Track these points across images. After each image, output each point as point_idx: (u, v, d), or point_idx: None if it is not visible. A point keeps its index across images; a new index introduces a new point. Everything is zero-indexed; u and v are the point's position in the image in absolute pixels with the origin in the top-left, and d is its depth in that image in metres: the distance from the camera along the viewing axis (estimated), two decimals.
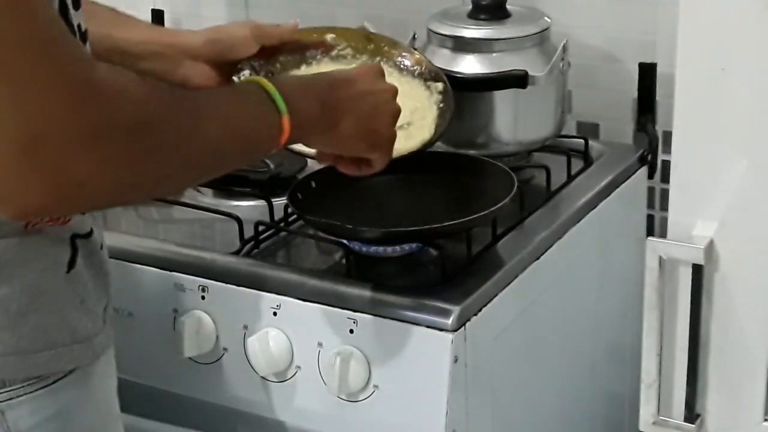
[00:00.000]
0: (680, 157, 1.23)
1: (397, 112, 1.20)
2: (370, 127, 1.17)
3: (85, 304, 1.05)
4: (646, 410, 1.31)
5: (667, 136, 1.54)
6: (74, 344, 1.03)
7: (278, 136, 1.05)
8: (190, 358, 1.40)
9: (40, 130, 0.83)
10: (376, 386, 1.30)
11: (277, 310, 1.35)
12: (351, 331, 1.30)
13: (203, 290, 1.39)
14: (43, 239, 1.01)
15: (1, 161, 0.83)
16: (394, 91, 1.21)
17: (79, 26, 1.01)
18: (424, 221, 1.35)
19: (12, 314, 0.99)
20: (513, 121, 1.59)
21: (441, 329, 1.27)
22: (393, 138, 1.21)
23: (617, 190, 1.61)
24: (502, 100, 1.57)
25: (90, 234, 1.06)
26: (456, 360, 1.27)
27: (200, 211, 1.52)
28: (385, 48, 1.47)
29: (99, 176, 0.86)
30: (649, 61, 1.69)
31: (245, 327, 1.37)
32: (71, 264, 1.03)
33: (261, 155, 1.13)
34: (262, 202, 1.48)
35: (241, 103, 1.04)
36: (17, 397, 1.00)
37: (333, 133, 1.14)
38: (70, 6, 0.98)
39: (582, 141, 1.67)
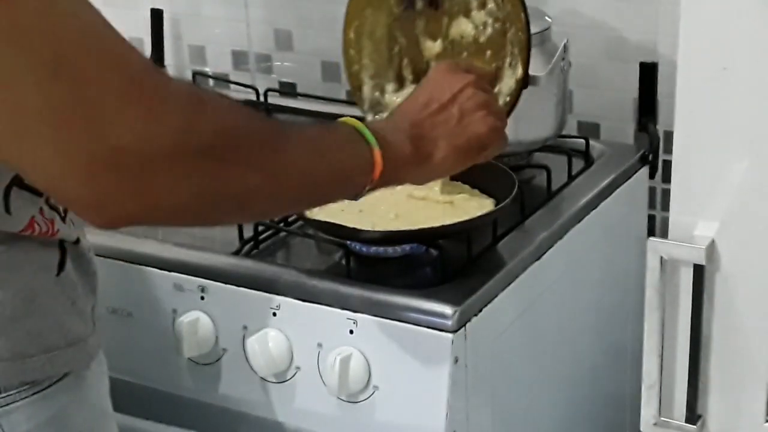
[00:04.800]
0: (681, 157, 1.23)
1: (486, 100, 1.17)
2: (466, 138, 1.14)
3: (76, 306, 1.05)
4: (647, 411, 1.30)
5: (669, 135, 1.54)
6: (68, 347, 1.03)
7: (371, 169, 1.03)
8: (189, 358, 1.40)
9: (120, 142, 0.81)
10: (376, 387, 1.30)
11: (276, 311, 1.34)
12: (351, 332, 1.30)
13: (203, 290, 1.39)
14: (32, 243, 1.00)
15: (84, 173, 0.81)
16: (472, 81, 1.18)
17: None
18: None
19: (6, 319, 0.98)
20: (513, 121, 1.57)
21: (441, 330, 1.26)
22: (496, 124, 1.17)
23: (618, 190, 1.61)
24: None
25: (77, 242, 1.06)
26: (456, 361, 1.27)
27: None
28: None
29: (181, 186, 0.85)
30: (650, 60, 1.68)
31: (245, 327, 1.37)
32: (61, 266, 1.03)
33: (354, 190, 1.06)
34: None
35: (329, 132, 1.02)
36: (13, 402, 0.99)
37: (430, 165, 1.12)
38: None
39: (583, 141, 1.67)
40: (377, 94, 1.48)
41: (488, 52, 1.41)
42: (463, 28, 1.43)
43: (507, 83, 1.39)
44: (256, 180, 0.91)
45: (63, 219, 1.02)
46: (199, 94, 0.88)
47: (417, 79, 1.46)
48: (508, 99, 1.38)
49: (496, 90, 1.39)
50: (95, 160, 0.81)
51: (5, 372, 0.99)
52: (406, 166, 1.10)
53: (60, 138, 0.80)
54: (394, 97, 1.47)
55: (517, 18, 1.38)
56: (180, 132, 0.84)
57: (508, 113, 1.37)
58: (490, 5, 1.41)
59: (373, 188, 1.07)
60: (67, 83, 0.80)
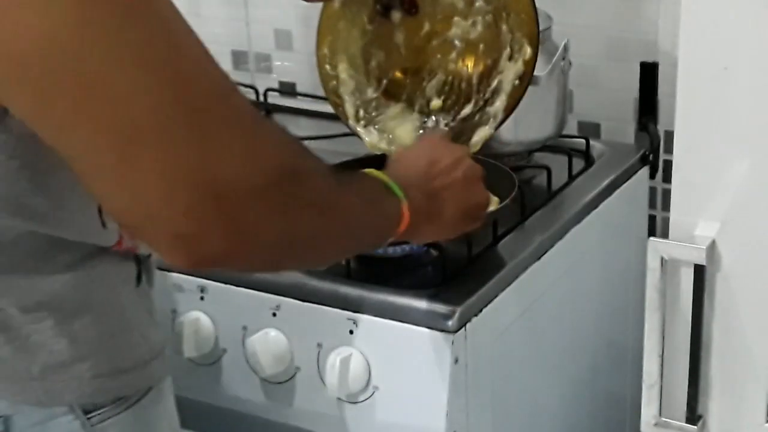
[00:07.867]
0: (682, 157, 1.23)
1: (483, 174, 1.19)
2: (470, 205, 1.16)
3: (153, 317, 1.06)
4: (648, 411, 1.30)
5: (669, 135, 1.53)
6: (153, 360, 1.04)
7: (399, 221, 1.04)
8: (189, 358, 1.40)
9: (223, 174, 0.81)
10: (376, 387, 1.30)
11: (276, 311, 1.34)
12: (351, 332, 1.30)
13: (202, 291, 1.39)
14: (115, 257, 1.01)
15: (185, 201, 0.80)
16: (468, 152, 1.20)
17: None
18: None
19: (105, 335, 0.99)
20: (513, 121, 1.57)
21: (442, 330, 1.26)
22: (489, 199, 1.20)
23: (618, 190, 1.60)
24: None
25: (149, 256, 1.06)
26: (456, 361, 1.27)
27: None
28: None
29: (267, 223, 0.85)
30: (650, 60, 1.68)
31: (245, 328, 1.36)
32: (139, 278, 1.03)
33: (382, 240, 1.08)
34: None
35: (366, 181, 1.04)
36: (108, 418, 1.00)
37: (439, 223, 1.13)
38: None
39: (583, 141, 1.67)
40: (360, 110, 1.47)
41: (481, 47, 1.40)
42: (450, 39, 1.42)
43: (507, 75, 1.38)
44: (325, 221, 0.92)
45: None
46: (285, 133, 0.90)
47: (392, 91, 1.46)
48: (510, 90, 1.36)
49: (494, 84, 1.38)
50: (198, 189, 0.80)
51: (104, 387, 0.99)
52: (422, 222, 1.10)
53: (167, 163, 0.79)
54: (381, 116, 1.46)
55: (514, 1, 1.36)
56: (272, 170, 0.84)
57: (515, 105, 1.37)
58: (479, 3, 1.39)
59: (393, 242, 1.08)
60: (182, 108, 0.80)
